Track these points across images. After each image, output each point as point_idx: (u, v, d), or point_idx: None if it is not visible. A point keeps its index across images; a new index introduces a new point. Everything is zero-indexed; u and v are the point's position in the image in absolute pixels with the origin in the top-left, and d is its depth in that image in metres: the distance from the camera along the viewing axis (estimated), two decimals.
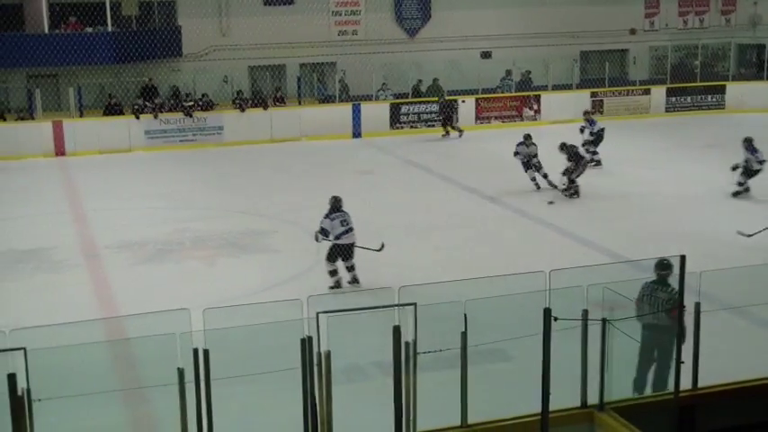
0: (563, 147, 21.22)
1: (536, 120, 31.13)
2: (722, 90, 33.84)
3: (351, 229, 15.23)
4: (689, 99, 33.54)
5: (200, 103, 28.62)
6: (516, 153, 22.06)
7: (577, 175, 20.99)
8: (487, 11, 32.67)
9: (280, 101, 29.77)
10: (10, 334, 7.30)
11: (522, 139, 22.14)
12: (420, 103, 30.33)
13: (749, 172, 20.85)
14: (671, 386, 10.37)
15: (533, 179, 21.86)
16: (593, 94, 32.21)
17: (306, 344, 8.32)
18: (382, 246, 15.96)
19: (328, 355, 8.34)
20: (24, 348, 7.21)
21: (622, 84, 33.62)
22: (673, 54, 35.19)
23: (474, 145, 27.13)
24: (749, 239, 16.41)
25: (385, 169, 24.51)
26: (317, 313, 8.21)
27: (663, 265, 10.80)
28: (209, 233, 18.22)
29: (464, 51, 32.03)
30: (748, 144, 21.05)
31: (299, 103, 30.06)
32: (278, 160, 26.08)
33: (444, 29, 32.43)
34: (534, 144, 22.07)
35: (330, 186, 22.44)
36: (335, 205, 15.33)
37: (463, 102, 30.30)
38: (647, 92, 33.25)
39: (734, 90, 33.66)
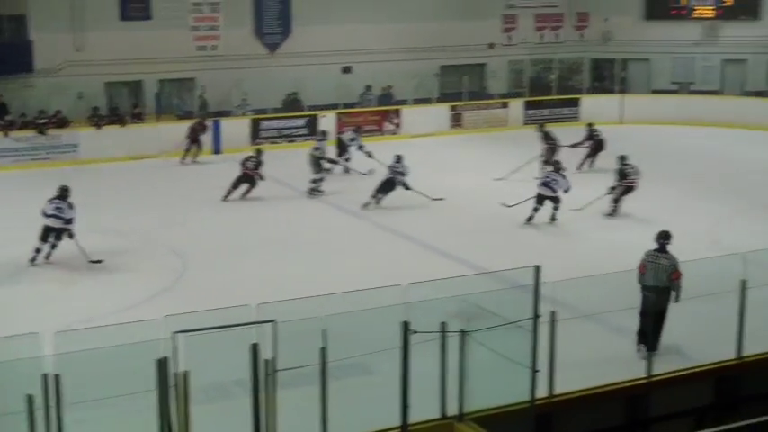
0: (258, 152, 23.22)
1: (397, 134, 31.37)
2: (577, 103, 34.76)
3: (55, 216, 16.90)
4: (546, 111, 34.29)
5: (54, 120, 27.86)
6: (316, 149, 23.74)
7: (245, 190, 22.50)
8: (348, 26, 32.74)
9: (138, 117, 29.23)
10: None
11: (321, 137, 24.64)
12: (281, 118, 30.24)
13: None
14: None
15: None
16: (452, 108, 32.64)
17: (162, 365, 8.17)
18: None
19: (186, 375, 8.21)
20: None
21: (481, 97, 34.19)
22: (530, 68, 35.96)
23: None
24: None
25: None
26: (174, 333, 8.08)
27: (663, 235, 12.69)
28: (66, 253, 17.66)
29: (325, 66, 32.01)
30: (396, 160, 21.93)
31: (158, 120, 29.52)
32: (136, 178, 25.58)
33: (305, 44, 32.32)
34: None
35: (191, 204, 22.24)
36: (59, 194, 17.30)
37: (324, 117, 30.31)
38: (506, 105, 33.89)
39: (588, 102, 34.60)
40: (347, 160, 25.72)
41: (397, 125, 31.70)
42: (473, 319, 9.64)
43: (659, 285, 12.25)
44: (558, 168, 20.77)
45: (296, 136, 29.97)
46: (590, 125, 26.76)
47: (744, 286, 11.16)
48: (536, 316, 9.34)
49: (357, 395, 10.59)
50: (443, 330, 9.40)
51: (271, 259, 17.63)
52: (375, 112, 31.60)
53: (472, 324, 9.59)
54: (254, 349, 8.45)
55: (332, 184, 23.65)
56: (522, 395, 9.69)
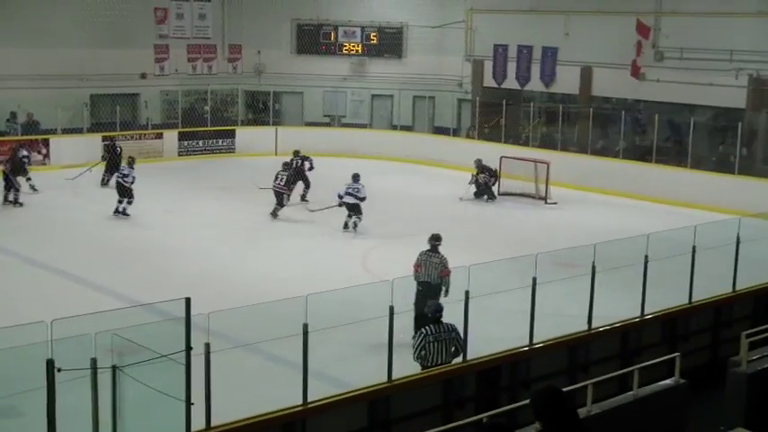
0: None
1: (46, 164, 30.02)
2: (232, 134, 34.93)
3: None
4: (201, 143, 34.21)
5: None
6: None
7: None
8: None
9: None
10: None
11: None
12: None
13: None
14: None
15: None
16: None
17: None
18: None
19: None
20: None
21: (135, 128, 33.47)
22: (183, 99, 35.69)
23: None
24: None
25: None
26: None
27: (435, 237, 14.81)
28: None
29: None
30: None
31: None
32: None
33: None
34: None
35: None
36: None
37: None
38: (160, 136, 33.43)
39: (243, 134, 34.86)
40: (29, 179, 25.61)
41: (46, 155, 30.36)
42: (126, 353, 9.29)
43: (431, 282, 14.22)
44: (356, 178, 22.34)
45: None
46: (296, 152, 26.97)
47: (391, 312, 11.51)
48: (188, 348, 9.15)
49: None
50: (93, 367, 8.98)
51: None
52: (21, 141, 30.00)
53: (125, 359, 9.25)
54: None
55: None
56: (179, 429, 9.45)
